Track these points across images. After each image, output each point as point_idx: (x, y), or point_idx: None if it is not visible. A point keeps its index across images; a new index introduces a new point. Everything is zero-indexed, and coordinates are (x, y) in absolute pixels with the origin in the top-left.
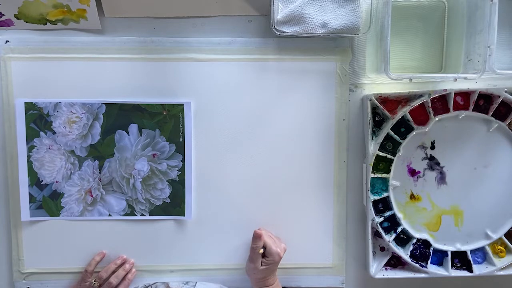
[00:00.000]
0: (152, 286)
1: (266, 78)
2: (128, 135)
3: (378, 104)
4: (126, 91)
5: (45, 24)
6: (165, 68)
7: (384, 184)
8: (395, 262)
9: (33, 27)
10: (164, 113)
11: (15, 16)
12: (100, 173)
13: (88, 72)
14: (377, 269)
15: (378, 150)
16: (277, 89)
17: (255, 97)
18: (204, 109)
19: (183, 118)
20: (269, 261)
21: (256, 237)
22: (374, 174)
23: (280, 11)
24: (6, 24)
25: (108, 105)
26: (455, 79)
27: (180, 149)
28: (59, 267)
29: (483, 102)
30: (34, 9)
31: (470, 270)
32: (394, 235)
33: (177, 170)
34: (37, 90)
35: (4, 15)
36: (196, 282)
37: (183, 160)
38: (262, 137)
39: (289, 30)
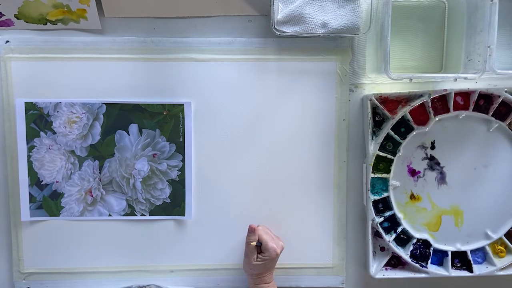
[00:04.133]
0: None
1: (266, 78)
2: (128, 135)
3: (378, 104)
4: (126, 91)
5: (45, 24)
6: (165, 68)
7: (384, 184)
8: (395, 262)
9: (33, 27)
10: (165, 113)
11: (15, 16)
12: (100, 173)
13: (88, 72)
14: (377, 269)
15: (378, 150)
16: (277, 89)
17: (255, 97)
18: (204, 109)
19: (183, 118)
20: (265, 257)
21: (250, 231)
22: (374, 174)
23: (280, 11)
24: (6, 24)
25: (109, 105)
26: (455, 79)
27: (180, 149)
28: (59, 267)
29: (483, 102)
30: (34, 9)
31: (470, 270)
32: (394, 235)
33: (177, 170)
34: (37, 90)
35: (4, 15)
36: None
37: (183, 160)
38: (262, 137)
39: (289, 30)
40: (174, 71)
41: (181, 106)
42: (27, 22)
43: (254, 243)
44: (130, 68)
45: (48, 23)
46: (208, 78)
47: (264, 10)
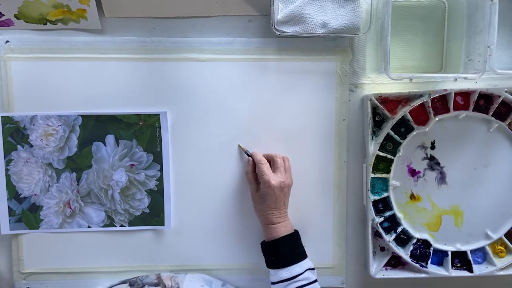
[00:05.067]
0: (144, 276)
1: (266, 78)
2: (105, 146)
3: (378, 104)
4: (126, 91)
5: (45, 24)
6: (165, 68)
7: (384, 184)
8: (395, 262)
9: (33, 27)
10: (141, 123)
11: (15, 16)
12: (78, 185)
13: (88, 72)
14: (377, 269)
15: (378, 150)
16: (277, 89)
17: (255, 97)
18: (200, 111)
19: (159, 127)
20: (261, 188)
21: (249, 161)
22: (374, 174)
23: (280, 11)
24: (6, 24)
25: (84, 117)
26: (455, 79)
27: (158, 158)
28: (59, 267)
29: (483, 102)
30: (34, 9)
31: (470, 270)
32: (394, 235)
33: (156, 180)
34: (36, 90)
35: (4, 15)
36: (187, 273)
37: (161, 170)
38: (262, 136)
39: (289, 30)
40: (174, 71)
41: (156, 116)
42: (27, 22)
43: (241, 145)
44: (130, 68)
45: (48, 23)
46: (208, 78)
47: (264, 10)
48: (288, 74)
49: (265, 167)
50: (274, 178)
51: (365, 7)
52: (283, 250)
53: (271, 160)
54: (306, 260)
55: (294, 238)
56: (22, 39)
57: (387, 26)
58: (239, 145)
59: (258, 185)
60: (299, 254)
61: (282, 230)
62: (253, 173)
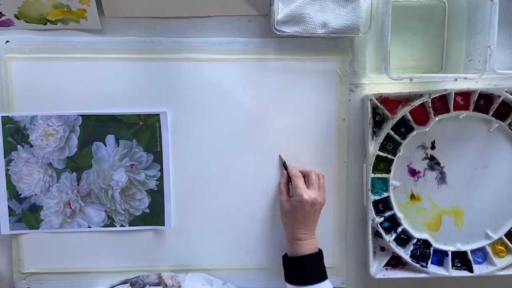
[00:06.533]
0: (145, 276)
1: (266, 78)
2: (105, 146)
3: (379, 104)
4: (126, 91)
5: (45, 24)
6: (165, 68)
7: (384, 184)
8: (395, 262)
9: (33, 27)
10: (141, 123)
11: (15, 16)
12: (78, 185)
13: (88, 72)
14: (377, 269)
15: (378, 150)
16: (277, 89)
17: (255, 97)
18: (197, 112)
19: (159, 127)
20: (293, 201)
21: (283, 174)
22: (374, 174)
23: (280, 11)
24: (6, 24)
25: (84, 117)
26: (456, 79)
27: (158, 158)
28: (59, 267)
29: (484, 102)
30: (34, 9)
31: (471, 270)
32: (394, 235)
33: (156, 180)
34: (36, 90)
35: (4, 15)
36: (187, 272)
37: (161, 170)
38: (262, 137)
39: (289, 30)
40: (174, 71)
41: (156, 116)
42: (27, 22)
43: (282, 156)
44: (130, 68)
45: (48, 23)
46: (208, 78)
47: (264, 10)
48: (288, 74)
49: (300, 181)
50: (307, 193)
51: (365, 7)
52: (306, 269)
53: (305, 176)
54: (326, 281)
55: (317, 258)
56: (22, 39)
57: (387, 26)
58: (279, 155)
59: (289, 197)
60: (320, 274)
61: (307, 248)
62: (285, 185)
